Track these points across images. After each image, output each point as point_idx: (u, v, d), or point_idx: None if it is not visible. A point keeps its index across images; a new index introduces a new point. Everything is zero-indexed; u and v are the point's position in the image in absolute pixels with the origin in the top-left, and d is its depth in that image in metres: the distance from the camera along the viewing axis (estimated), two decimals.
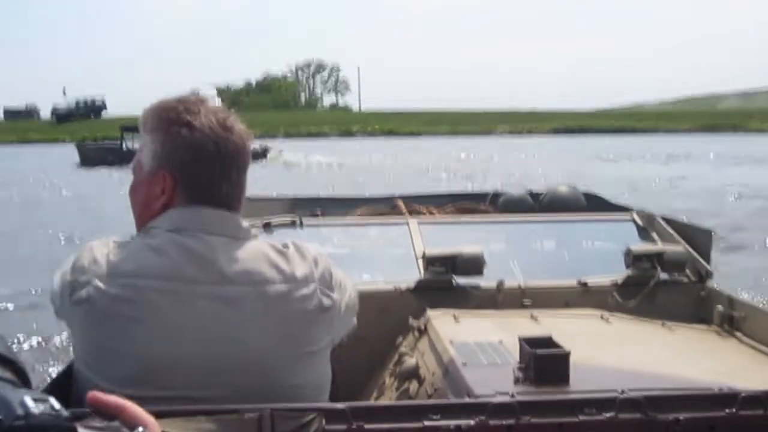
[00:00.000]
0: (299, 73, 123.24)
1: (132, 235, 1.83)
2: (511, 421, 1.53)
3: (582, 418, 1.54)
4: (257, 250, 1.74)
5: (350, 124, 74.64)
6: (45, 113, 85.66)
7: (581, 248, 3.77)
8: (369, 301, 2.00)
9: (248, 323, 1.66)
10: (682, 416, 1.56)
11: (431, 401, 2.07)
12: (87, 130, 69.01)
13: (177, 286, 1.65)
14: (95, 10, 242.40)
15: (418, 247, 3.41)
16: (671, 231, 3.52)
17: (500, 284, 3.16)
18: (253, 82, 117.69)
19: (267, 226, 3.52)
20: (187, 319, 1.64)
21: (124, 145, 35.99)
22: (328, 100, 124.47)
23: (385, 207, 4.31)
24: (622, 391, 1.63)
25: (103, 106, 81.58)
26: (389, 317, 2.93)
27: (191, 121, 1.75)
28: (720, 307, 3.02)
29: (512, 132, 68.48)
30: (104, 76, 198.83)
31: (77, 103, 79.76)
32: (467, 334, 2.53)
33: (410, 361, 2.55)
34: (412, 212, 4.11)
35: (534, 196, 4.55)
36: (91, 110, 79.17)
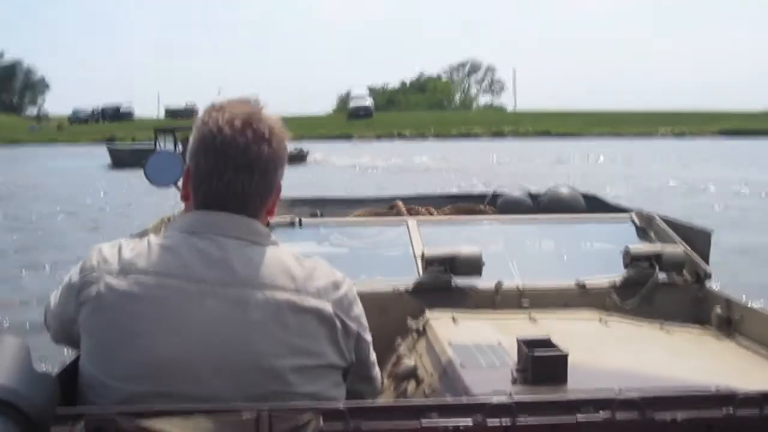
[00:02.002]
0: (454, 73, 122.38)
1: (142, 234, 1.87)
2: (508, 421, 1.52)
3: (579, 418, 1.53)
4: (273, 256, 1.74)
5: (502, 124, 72.48)
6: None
7: (580, 249, 3.77)
8: (368, 301, 1.97)
9: (254, 326, 1.66)
10: (679, 416, 1.55)
11: (429, 400, 2.04)
12: None
13: (186, 284, 1.66)
14: (251, 15, 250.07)
15: (416, 247, 3.39)
16: (670, 231, 3.50)
17: (499, 285, 3.16)
18: (408, 83, 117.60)
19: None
20: (195, 317, 1.64)
21: (157, 147, 35.35)
22: (483, 100, 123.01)
23: (384, 208, 4.33)
24: (620, 391, 1.63)
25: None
26: (388, 318, 2.88)
27: (209, 118, 1.77)
28: (718, 308, 3.00)
29: (675, 134, 64.35)
30: (258, 78, 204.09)
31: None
32: (465, 336, 2.51)
33: (408, 362, 2.54)
34: (411, 213, 4.11)
35: (533, 197, 4.58)
36: None
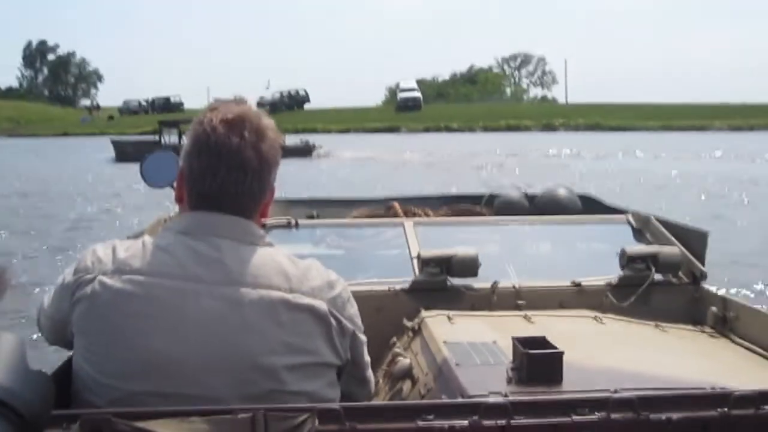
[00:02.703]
0: (505, 65, 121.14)
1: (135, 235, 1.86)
2: (503, 422, 1.53)
3: (575, 418, 1.54)
4: (267, 256, 1.74)
5: (553, 117, 71.21)
6: (252, 105, 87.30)
7: (576, 250, 3.77)
8: (363, 301, 1.97)
9: (249, 325, 1.66)
10: (674, 416, 1.56)
11: (425, 401, 2.05)
12: (289, 122, 69.87)
13: (182, 284, 1.66)
14: (302, 8, 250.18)
15: (413, 248, 3.38)
16: (666, 232, 3.49)
17: (495, 285, 3.14)
18: (459, 75, 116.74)
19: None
20: (190, 316, 1.65)
21: (162, 140, 35.10)
22: (534, 92, 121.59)
23: (380, 209, 4.31)
24: (615, 391, 1.65)
25: (307, 98, 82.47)
26: (383, 317, 2.87)
27: (204, 118, 1.77)
28: (714, 309, 3.00)
29: (731, 127, 62.47)
30: (308, 70, 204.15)
31: (281, 94, 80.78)
32: (461, 335, 2.51)
33: (404, 362, 2.53)
34: (408, 214, 4.11)
35: (530, 197, 4.56)
36: (294, 102, 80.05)
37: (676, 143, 44.42)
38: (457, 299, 3.09)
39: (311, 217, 4.19)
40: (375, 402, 2.17)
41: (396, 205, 4.30)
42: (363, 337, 1.87)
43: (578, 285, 3.21)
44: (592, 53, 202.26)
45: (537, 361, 1.96)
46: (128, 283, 1.66)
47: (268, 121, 1.81)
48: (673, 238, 3.43)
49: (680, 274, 3.30)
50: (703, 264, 3.30)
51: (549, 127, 67.02)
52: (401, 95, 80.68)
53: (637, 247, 3.39)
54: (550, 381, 1.94)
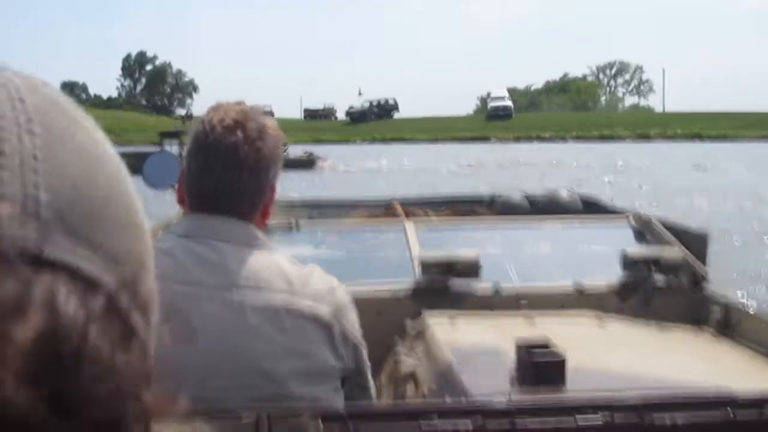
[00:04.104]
0: (600, 74, 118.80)
1: None
2: (507, 424, 1.54)
3: (579, 420, 1.55)
4: (269, 260, 1.74)
5: (648, 126, 69.00)
6: (342, 114, 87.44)
7: (578, 251, 3.74)
8: (365, 304, 1.99)
9: (252, 330, 1.66)
10: (678, 419, 1.56)
11: (428, 403, 2.07)
12: (377, 132, 69.72)
13: (184, 287, 1.66)
14: (394, 16, 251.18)
15: (414, 250, 3.37)
16: (667, 234, 3.48)
17: (496, 288, 3.15)
18: (552, 84, 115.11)
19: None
20: (192, 320, 1.65)
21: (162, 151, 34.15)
22: (629, 101, 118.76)
23: (382, 210, 4.35)
24: (619, 395, 1.65)
25: (395, 108, 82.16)
26: (386, 320, 2.87)
27: (205, 118, 1.79)
28: (716, 311, 3.00)
29: None
30: (398, 80, 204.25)
31: (371, 103, 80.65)
32: (464, 338, 2.52)
33: (407, 365, 2.54)
34: (409, 215, 4.10)
35: (531, 199, 4.58)
36: (383, 111, 79.96)
37: None
38: (458, 302, 3.09)
39: (312, 218, 4.19)
40: (378, 404, 2.15)
41: (396, 204, 4.32)
42: (363, 344, 1.85)
43: (580, 287, 3.20)
44: (690, 63, 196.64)
45: (540, 364, 1.96)
46: None
47: (268, 121, 1.81)
48: (674, 240, 3.41)
49: (682, 276, 3.27)
50: (704, 265, 3.29)
51: (644, 137, 64.88)
52: (492, 104, 79.89)
53: (638, 249, 3.38)
54: (553, 384, 1.94)
